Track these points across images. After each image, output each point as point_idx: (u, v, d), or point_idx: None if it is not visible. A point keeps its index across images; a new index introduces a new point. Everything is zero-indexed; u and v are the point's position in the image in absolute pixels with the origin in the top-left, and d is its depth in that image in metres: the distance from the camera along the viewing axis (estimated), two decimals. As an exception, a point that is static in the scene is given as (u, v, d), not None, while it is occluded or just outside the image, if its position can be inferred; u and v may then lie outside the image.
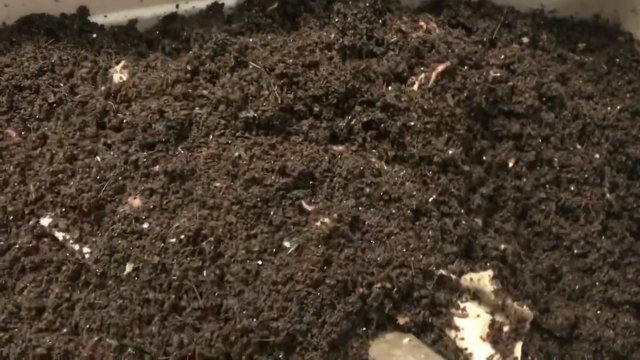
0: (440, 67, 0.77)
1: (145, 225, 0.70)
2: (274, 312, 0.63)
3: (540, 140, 0.83)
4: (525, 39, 0.93)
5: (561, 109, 0.86)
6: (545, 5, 0.97)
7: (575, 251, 0.80)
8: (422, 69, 0.79)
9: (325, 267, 0.65)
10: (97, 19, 0.91)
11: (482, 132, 0.81)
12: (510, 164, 0.81)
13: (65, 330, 0.69)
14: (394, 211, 0.70)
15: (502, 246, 0.75)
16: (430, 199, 0.72)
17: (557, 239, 0.80)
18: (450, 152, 0.74)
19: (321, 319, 0.64)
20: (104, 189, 0.73)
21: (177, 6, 0.92)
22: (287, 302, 0.63)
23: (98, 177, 0.74)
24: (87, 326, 0.67)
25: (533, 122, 0.83)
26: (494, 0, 0.95)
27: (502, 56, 0.87)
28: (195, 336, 0.65)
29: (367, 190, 0.71)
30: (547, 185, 0.82)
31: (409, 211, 0.71)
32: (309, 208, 0.69)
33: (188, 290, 0.66)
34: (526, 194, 0.80)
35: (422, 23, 0.84)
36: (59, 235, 0.73)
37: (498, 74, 0.81)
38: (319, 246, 0.65)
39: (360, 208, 0.70)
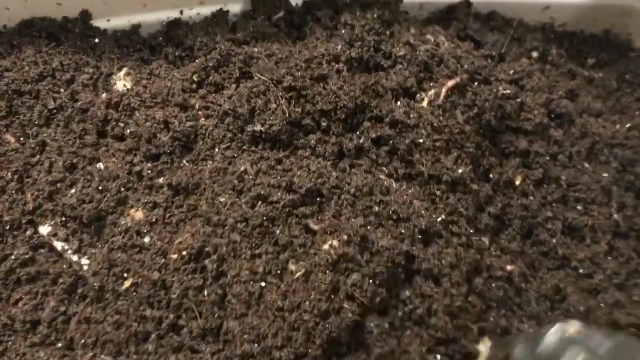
0: (450, 83, 0.76)
1: (147, 240, 0.69)
2: (278, 340, 0.61)
3: (548, 158, 0.82)
4: (534, 54, 0.92)
5: (570, 126, 0.85)
6: (556, 18, 0.96)
7: (581, 271, 0.78)
8: (431, 84, 0.77)
9: (332, 296, 0.63)
10: (99, 23, 0.89)
11: (490, 148, 0.79)
12: (518, 182, 0.80)
13: (60, 344, 0.67)
14: (403, 231, 0.69)
15: (508, 267, 0.73)
16: (439, 219, 0.71)
17: (562, 259, 0.79)
18: (460, 171, 0.72)
19: (328, 354, 0.62)
20: (105, 199, 0.72)
21: (181, 12, 0.90)
22: (293, 331, 0.62)
23: (100, 187, 0.72)
24: (82, 341, 0.66)
25: (541, 140, 0.82)
26: (504, 13, 0.94)
27: (512, 71, 0.86)
28: (193, 357, 0.63)
29: (376, 208, 0.70)
30: (553, 204, 0.81)
31: (417, 231, 0.69)
32: (316, 227, 0.67)
33: (187, 309, 0.65)
34: (532, 212, 0.79)
35: (430, 36, 0.82)
36: (58, 245, 0.71)
37: (507, 91, 0.80)
38: (327, 272, 0.64)
39: (369, 227, 0.68)
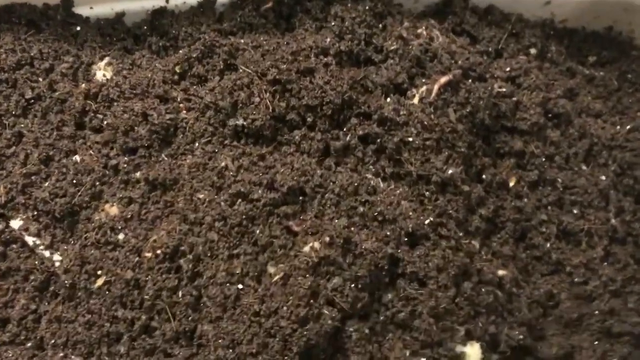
0: (443, 80, 0.73)
1: (121, 236, 0.66)
2: (253, 347, 0.59)
3: (543, 159, 0.79)
4: (533, 50, 0.89)
5: (567, 126, 0.82)
6: (556, 14, 0.92)
7: (576, 278, 0.75)
8: (423, 80, 0.74)
9: (311, 301, 0.60)
10: (82, 10, 0.86)
11: (484, 148, 0.76)
12: (512, 184, 0.76)
13: (29, 344, 0.65)
14: (388, 233, 0.66)
15: (500, 272, 0.71)
16: (427, 221, 0.68)
17: (556, 264, 0.76)
18: (450, 171, 0.69)
19: None
20: (79, 193, 0.69)
21: (167, 0, 0.86)
22: (269, 337, 0.59)
23: (74, 181, 0.70)
24: (53, 341, 0.64)
25: (537, 140, 0.79)
26: (502, 8, 0.90)
27: (508, 68, 0.82)
28: (165, 361, 0.61)
29: (361, 209, 0.67)
30: (549, 207, 0.78)
31: (404, 233, 0.66)
32: (297, 228, 0.64)
33: (161, 310, 0.62)
34: (526, 215, 0.76)
35: (423, 30, 0.79)
36: (29, 240, 0.69)
37: (503, 89, 0.77)
38: (307, 276, 0.61)
39: (352, 228, 0.65)
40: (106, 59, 0.81)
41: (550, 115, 0.81)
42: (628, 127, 0.84)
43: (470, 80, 0.75)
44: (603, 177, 0.80)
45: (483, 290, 0.68)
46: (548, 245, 0.76)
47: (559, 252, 0.76)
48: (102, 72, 0.78)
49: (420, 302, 0.65)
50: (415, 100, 0.72)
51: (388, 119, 0.70)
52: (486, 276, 0.69)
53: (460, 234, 0.69)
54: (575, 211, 0.78)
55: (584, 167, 0.81)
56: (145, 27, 0.86)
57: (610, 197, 0.79)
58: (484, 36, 0.87)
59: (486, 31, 0.88)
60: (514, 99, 0.78)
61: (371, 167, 0.70)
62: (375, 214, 0.67)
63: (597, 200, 0.79)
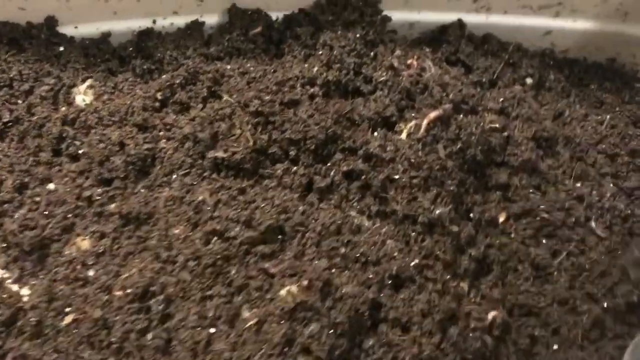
0: (433, 115, 0.69)
1: (91, 273, 0.63)
2: (222, 398, 0.55)
3: (531, 190, 0.75)
4: (529, 80, 0.86)
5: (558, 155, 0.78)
6: (557, 45, 0.90)
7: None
8: (412, 114, 0.71)
9: (285, 349, 0.57)
10: (67, 29, 0.83)
11: (475, 185, 0.73)
12: (501, 219, 0.73)
13: (-6, 382, 0.62)
14: (371, 276, 0.63)
15: (490, 315, 0.67)
16: (413, 263, 0.64)
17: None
18: (438, 211, 0.66)
19: None
20: (50, 225, 0.66)
21: (154, 21, 0.84)
22: None
23: (46, 212, 0.67)
24: (17, 380, 0.60)
25: (525, 173, 0.75)
26: (500, 37, 0.87)
27: (501, 99, 0.79)
28: (132, 409, 0.58)
29: (343, 250, 0.64)
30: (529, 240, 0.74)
31: (387, 276, 0.63)
32: (274, 270, 0.61)
33: (129, 354, 0.59)
34: (511, 253, 0.72)
35: (414, 60, 0.75)
36: (-3, 273, 0.66)
37: (495, 124, 0.73)
38: (282, 322, 0.58)
39: (333, 271, 0.62)
40: (88, 81, 0.79)
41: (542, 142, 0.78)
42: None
43: (462, 115, 0.72)
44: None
45: (470, 335, 0.65)
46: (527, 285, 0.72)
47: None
48: (81, 96, 0.76)
49: (403, 348, 0.62)
50: (403, 136, 0.69)
51: (373, 155, 0.67)
52: (475, 320, 0.66)
53: (448, 277, 0.66)
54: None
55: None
56: (131, 49, 0.83)
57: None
58: (479, 66, 0.84)
59: (481, 61, 0.85)
60: (505, 133, 0.74)
61: (356, 204, 0.67)
62: (358, 255, 0.64)
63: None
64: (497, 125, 0.73)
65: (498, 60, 0.85)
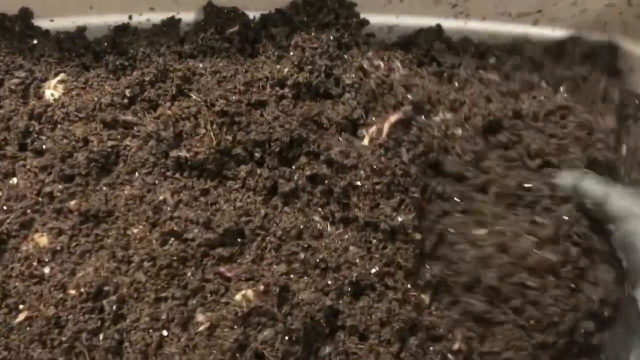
0: (394, 117, 0.68)
1: (47, 270, 0.63)
2: (168, 401, 0.55)
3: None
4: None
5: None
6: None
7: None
8: (373, 118, 0.70)
9: (236, 355, 0.56)
10: (42, 22, 0.82)
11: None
12: None
13: (-57, 380, 0.61)
14: (329, 282, 0.62)
15: (452, 333, 0.66)
16: (374, 270, 0.63)
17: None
18: (400, 218, 0.65)
19: None
20: (8, 220, 0.65)
21: (129, 17, 0.83)
22: None
23: (5, 207, 0.66)
24: (-35, 379, 0.60)
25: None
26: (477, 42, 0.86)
27: (460, 95, 0.75)
28: (78, 409, 0.57)
29: (302, 255, 0.63)
30: None
31: (347, 282, 0.62)
32: (230, 274, 0.61)
33: (79, 354, 0.58)
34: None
35: (381, 62, 0.74)
36: (-51, 269, 0.65)
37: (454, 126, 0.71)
38: (235, 327, 0.57)
39: (292, 276, 0.62)
40: (61, 76, 0.78)
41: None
42: None
43: (422, 116, 0.70)
44: None
45: (431, 349, 0.64)
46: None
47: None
48: (51, 91, 0.75)
49: (360, 357, 0.61)
50: (366, 141, 0.68)
51: (334, 162, 0.66)
52: (436, 333, 0.65)
53: (409, 286, 0.65)
54: None
55: None
56: (106, 44, 0.82)
57: None
58: (448, 65, 0.82)
59: (450, 58, 0.83)
60: (458, 130, 0.72)
61: (319, 209, 0.66)
62: (318, 260, 0.63)
63: None
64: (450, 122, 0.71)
65: (467, 56, 0.83)
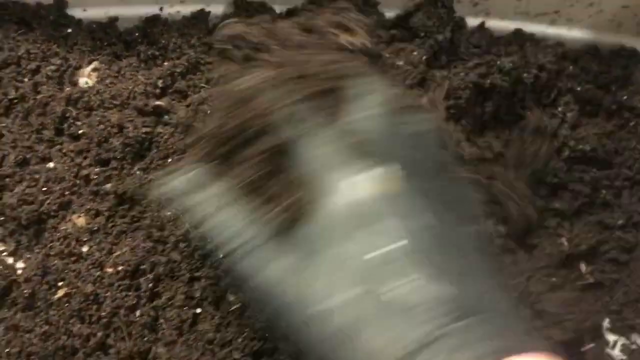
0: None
1: (85, 249, 0.66)
2: (205, 374, 0.58)
3: None
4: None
5: None
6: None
7: None
8: None
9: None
10: (75, 12, 0.85)
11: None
12: None
13: (-17, 352, 0.64)
14: None
15: None
16: None
17: None
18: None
19: None
20: (47, 201, 0.68)
21: (161, 9, 0.86)
22: None
23: (44, 189, 0.69)
24: (7, 350, 0.63)
25: None
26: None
27: None
28: (118, 379, 0.60)
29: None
30: None
31: None
32: None
33: (117, 329, 0.62)
34: None
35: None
36: (-7, 245, 0.68)
37: None
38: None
39: None
40: (94, 64, 0.81)
41: None
42: None
43: None
44: None
45: None
46: None
47: None
48: (85, 78, 0.78)
49: None
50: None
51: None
52: None
53: None
54: None
55: None
56: (137, 34, 0.85)
57: None
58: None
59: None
60: None
61: None
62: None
63: None
64: None
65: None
